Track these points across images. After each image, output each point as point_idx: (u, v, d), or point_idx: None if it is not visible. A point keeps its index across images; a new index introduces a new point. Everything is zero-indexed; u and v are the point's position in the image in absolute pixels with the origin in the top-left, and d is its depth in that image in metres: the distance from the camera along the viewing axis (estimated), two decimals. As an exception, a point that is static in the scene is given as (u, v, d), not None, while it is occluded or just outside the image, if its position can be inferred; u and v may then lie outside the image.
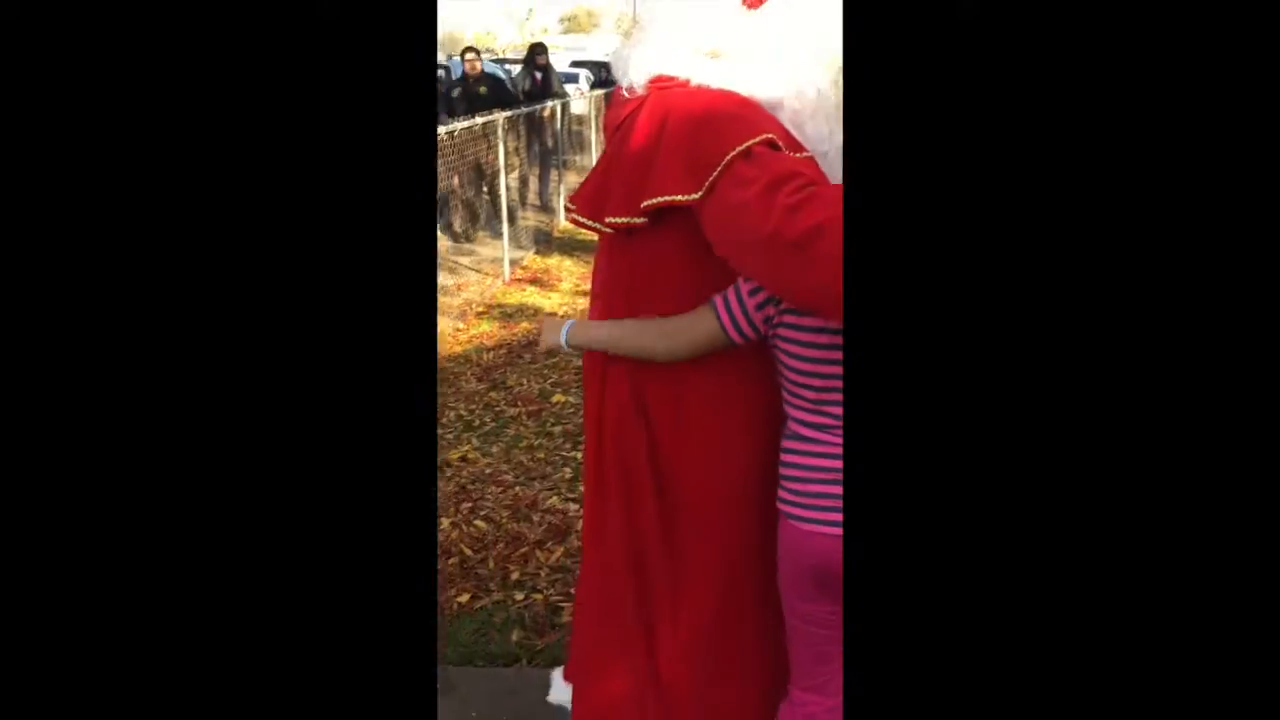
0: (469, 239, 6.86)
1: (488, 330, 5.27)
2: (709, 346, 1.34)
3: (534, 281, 6.36)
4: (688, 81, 1.33)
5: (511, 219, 6.44)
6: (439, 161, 5.93)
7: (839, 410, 1.27)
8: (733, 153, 1.22)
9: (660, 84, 1.35)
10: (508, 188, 6.34)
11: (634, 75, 1.38)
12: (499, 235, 6.46)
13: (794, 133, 1.29)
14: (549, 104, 7.92)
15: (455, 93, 6.70)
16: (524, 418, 3.88)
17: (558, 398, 4.08)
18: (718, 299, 1.32)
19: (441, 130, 5.52)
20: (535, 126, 7.66)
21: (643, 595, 1.50)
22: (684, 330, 1.35)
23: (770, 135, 1.23)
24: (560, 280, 6.43)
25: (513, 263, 6.53)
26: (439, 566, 2.75)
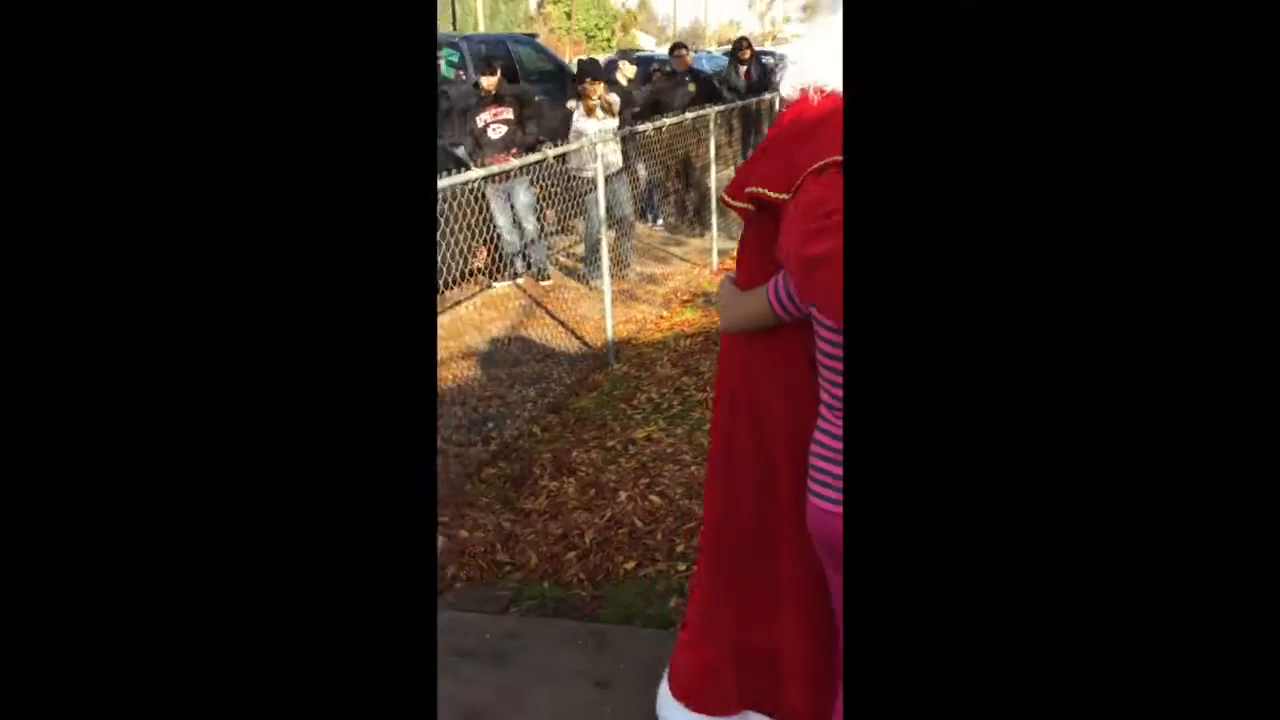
0: (678, 229, 7.09)
1: (690, 318, 5.47)
2: (758, 321, 1.55)
3: (740, 271, 6.50)
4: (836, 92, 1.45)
5: (723, 210, 6.62)
6: (650, 154, 6.18)
7: None
8: (810, 169, 1.37)
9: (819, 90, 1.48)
10: (718, 181, 6.52)
11: (793, 82, 1.53)
12: (709, 226, 6.65)
13: None
14: (766, 96, 8.01)
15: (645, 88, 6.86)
16: (710, 402, 4.03)
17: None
18: (770, 281, 1.54)
19: (649, 126, 5.77)
20: (749, 120, 7.78)
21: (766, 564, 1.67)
22: (741, 303, 1.59)
23: (838, 157, 1.34)
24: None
25: (721, 253, 6.71)
26: (611, 536, 2.97)
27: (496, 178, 5.03)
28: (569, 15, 31.42)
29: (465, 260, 5.16)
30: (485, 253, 4.96)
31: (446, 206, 4.43)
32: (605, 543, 2.94)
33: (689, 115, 6.02)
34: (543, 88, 9.05)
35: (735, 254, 1.76)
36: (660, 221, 7.43)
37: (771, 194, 1.48)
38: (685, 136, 6.32)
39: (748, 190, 1.52)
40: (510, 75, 9.68)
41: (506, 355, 4.84)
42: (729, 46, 11.01)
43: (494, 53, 9.37)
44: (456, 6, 22.02)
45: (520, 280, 5.83)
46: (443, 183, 3.57)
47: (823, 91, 1.52)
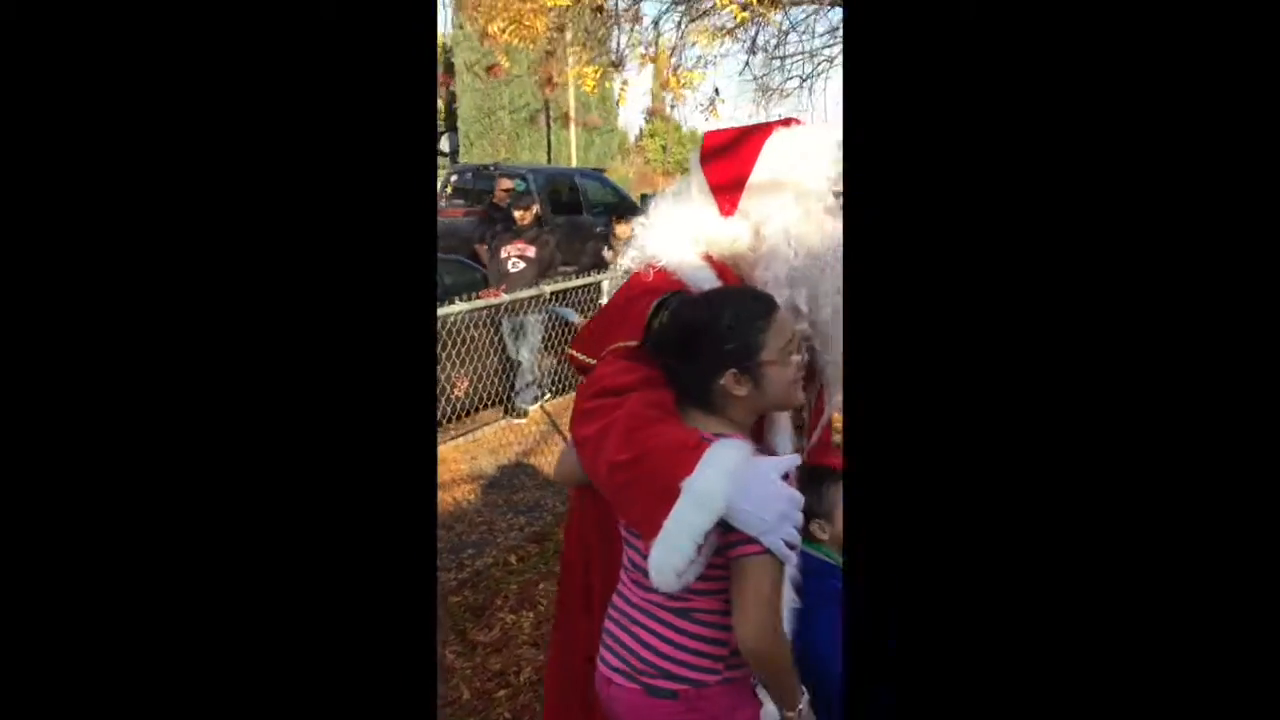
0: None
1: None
2: (572, 477, 1.55)
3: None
4: (672, 270, 1.59)
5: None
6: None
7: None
8: (611, 347, 1.50)
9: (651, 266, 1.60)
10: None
11: (633, 255, 1.66)
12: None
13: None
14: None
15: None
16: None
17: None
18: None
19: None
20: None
21: None
22: (562, 461, 1.62)
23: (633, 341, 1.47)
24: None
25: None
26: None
27: (508, 309, 5.21)
28: (664, 149, 32.60)
29: (478, 389, 5.31)
30: (465, 384, 5.08)
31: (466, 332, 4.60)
32: (540, 681, 2.92)
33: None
34: (605, 220, 9.37)
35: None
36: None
37: (581, 356, 1.55)
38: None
39: (567, 350, 1.63)
40: (575, 208, 10.06)
41: (510, 481, 4.91)
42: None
43: (559, 185, 9.77)
44: (552, 138, 23.14)
45: (536, 406, 5.93)
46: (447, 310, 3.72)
47: (654, 267, 1.60)
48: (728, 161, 1.64)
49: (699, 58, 5.13)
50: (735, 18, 4.98)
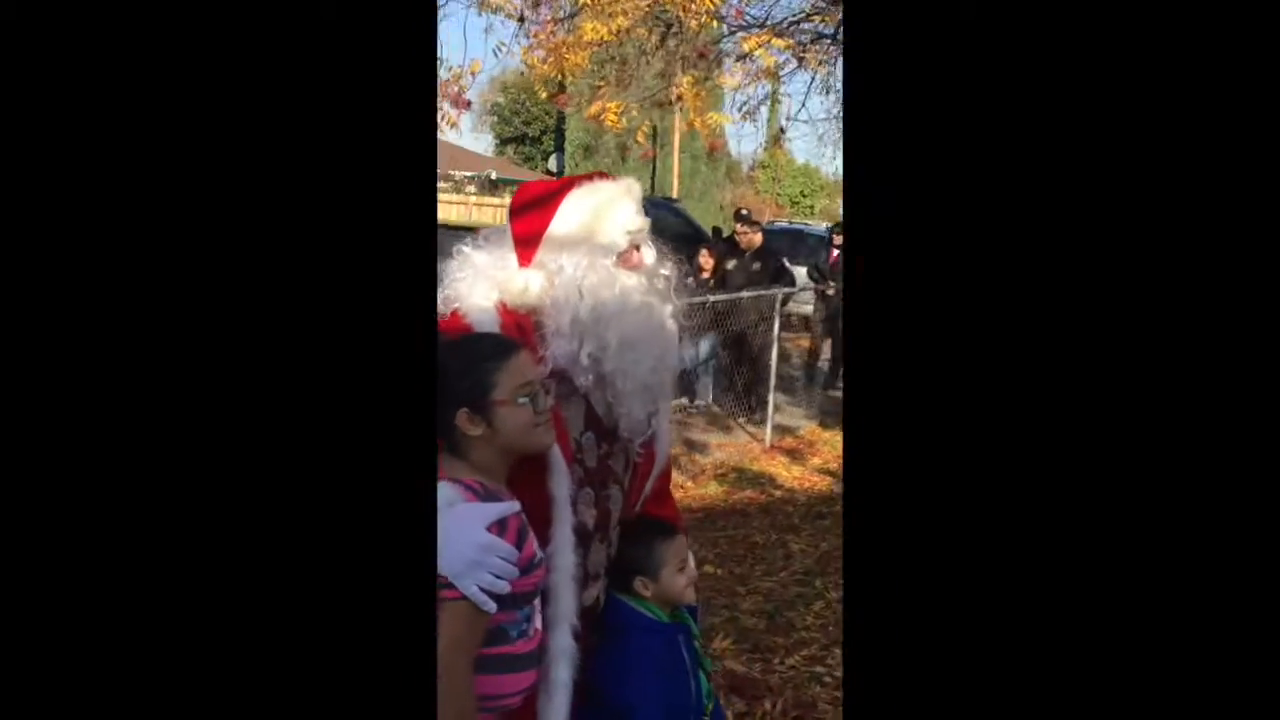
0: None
1: (711, 492, 5.44)
2: None
3: (789, 452, 6.42)
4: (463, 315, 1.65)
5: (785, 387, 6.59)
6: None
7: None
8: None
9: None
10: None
11: (442, 299, 1.69)
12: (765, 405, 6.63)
13: (543, 346, 1.60)
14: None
15: (730, 265, 6.97)
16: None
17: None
18: None
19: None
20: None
21: None
22: None
23: None
24: (818, 454, 6.42)
25: (784, 429, 6.65)
26: None
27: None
28: (775, 180, 32.54)
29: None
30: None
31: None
32: None
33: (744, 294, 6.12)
34: (676, 248, 9.38)
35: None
36: (700, 401, 7.20)
37: None
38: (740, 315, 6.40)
39: None
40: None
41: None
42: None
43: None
44: (658, 165, 23.34)
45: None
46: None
47: (453, 310, 1.64)
48: (530, 215, 1.69)
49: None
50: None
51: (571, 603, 1.59)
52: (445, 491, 1.36)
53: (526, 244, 1.67)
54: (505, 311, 1.63)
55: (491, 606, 1.36)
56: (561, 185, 1.71)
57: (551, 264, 1.64)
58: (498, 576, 1.33)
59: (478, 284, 1.66)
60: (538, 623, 1.54)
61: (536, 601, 1.53)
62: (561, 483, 1.60)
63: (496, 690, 1.43)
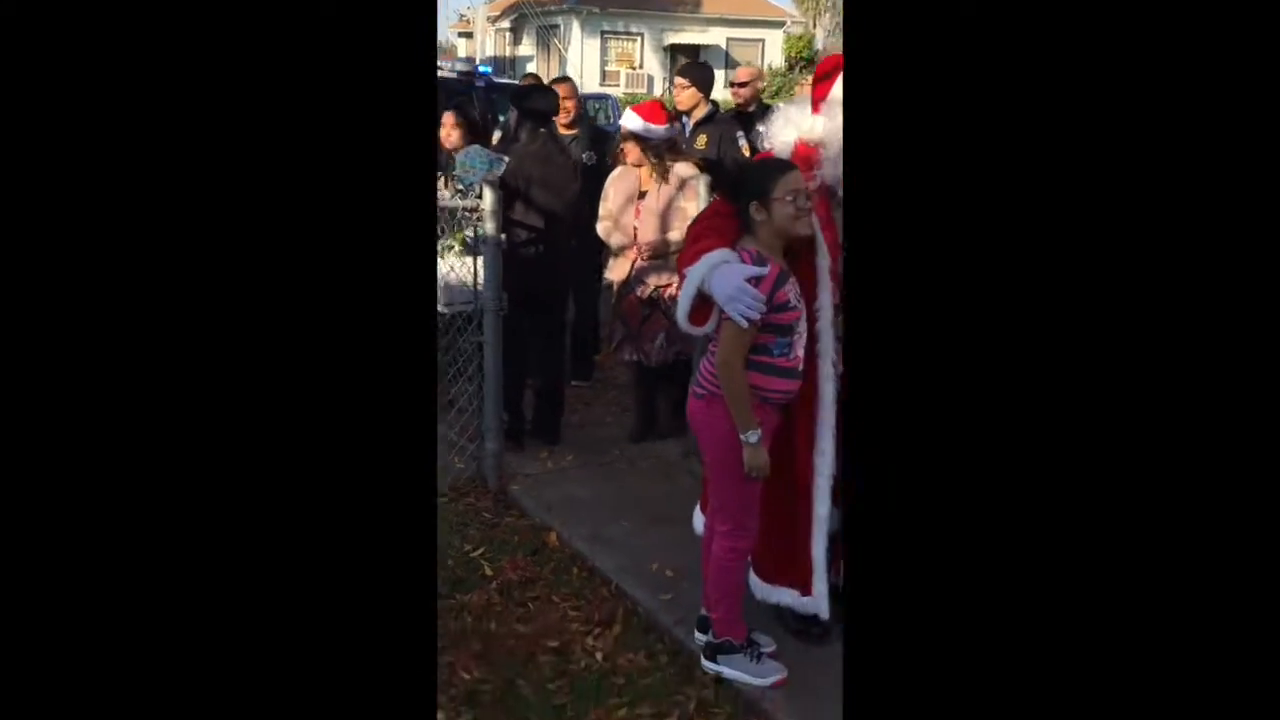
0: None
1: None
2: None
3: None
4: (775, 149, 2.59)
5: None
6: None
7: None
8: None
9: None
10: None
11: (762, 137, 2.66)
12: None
13: (818, 168, 2.49)
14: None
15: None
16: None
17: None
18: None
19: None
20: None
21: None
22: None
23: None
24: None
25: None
26: None
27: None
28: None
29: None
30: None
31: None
32: None
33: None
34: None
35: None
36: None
37: None
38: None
39: None
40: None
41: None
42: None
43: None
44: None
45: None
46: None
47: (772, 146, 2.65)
48: (824, 82, 2.53)
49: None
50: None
51: (831, 342, 2.48)
52: (728, 254, 2.31)
53: (818, 100, 2.53)
54: (800, 145, 2.52)
55: (745, 325, 2.26)
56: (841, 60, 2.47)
57: (829, 116, 2.44)
58: (749, 308, 2.24)
59: (786, 127, 2.56)
60: (799, 350, 2.41)
61: (796, 337, 2.39)
62: (823, 260, 2.47)
63: (763, 385, 2.37)
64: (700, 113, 4.69)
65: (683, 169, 3.94)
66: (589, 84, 22.52)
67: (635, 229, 4.03)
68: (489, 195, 3.53)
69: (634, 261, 4.04)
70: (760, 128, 2.67)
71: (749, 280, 2.25)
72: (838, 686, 2.39)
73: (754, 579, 2.72)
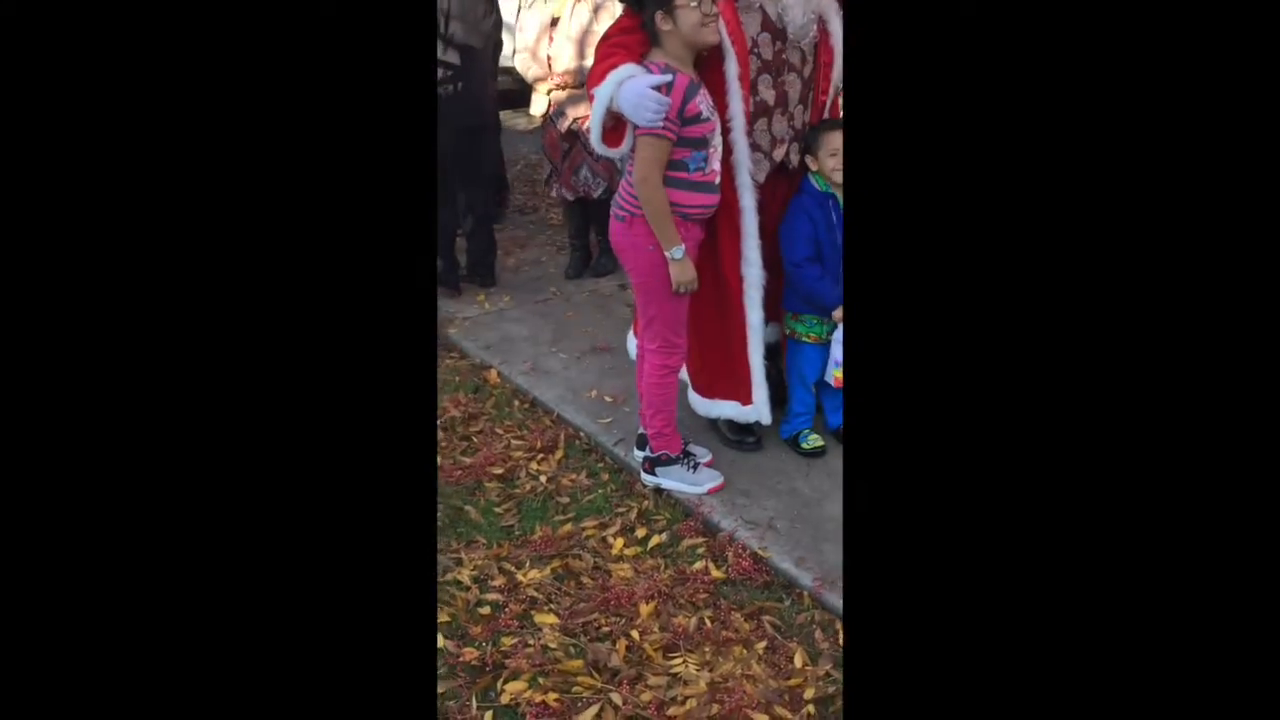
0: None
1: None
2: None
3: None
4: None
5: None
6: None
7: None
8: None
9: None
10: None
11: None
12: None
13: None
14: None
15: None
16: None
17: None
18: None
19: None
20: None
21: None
22: None
23: None
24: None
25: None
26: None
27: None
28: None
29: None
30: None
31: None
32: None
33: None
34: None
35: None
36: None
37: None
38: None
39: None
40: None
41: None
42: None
43: None
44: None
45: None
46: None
47: None
48: None
49: None
50: None
51: (746, 151, 2.46)
52: (634, 69, 2.25)
53: None
54: None
55: (654, 131, 2.24)
56: None
57: None
58: (655, 114, 2.20)
59: None
60: (715, 164, 2.38)
61: (711, 150, 2.35)
62: (731, 67, 2.40)
63: (682, 201, 2.35)
64: None
65: (596, -10, 3.79)
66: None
67: (549, 59, 3.92)
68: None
69: (550, 93, 3.95)
70: None
71: (656, 89, 2.20)
72: (769, 490, 2.60)
73: (694, 396, 2.80)
